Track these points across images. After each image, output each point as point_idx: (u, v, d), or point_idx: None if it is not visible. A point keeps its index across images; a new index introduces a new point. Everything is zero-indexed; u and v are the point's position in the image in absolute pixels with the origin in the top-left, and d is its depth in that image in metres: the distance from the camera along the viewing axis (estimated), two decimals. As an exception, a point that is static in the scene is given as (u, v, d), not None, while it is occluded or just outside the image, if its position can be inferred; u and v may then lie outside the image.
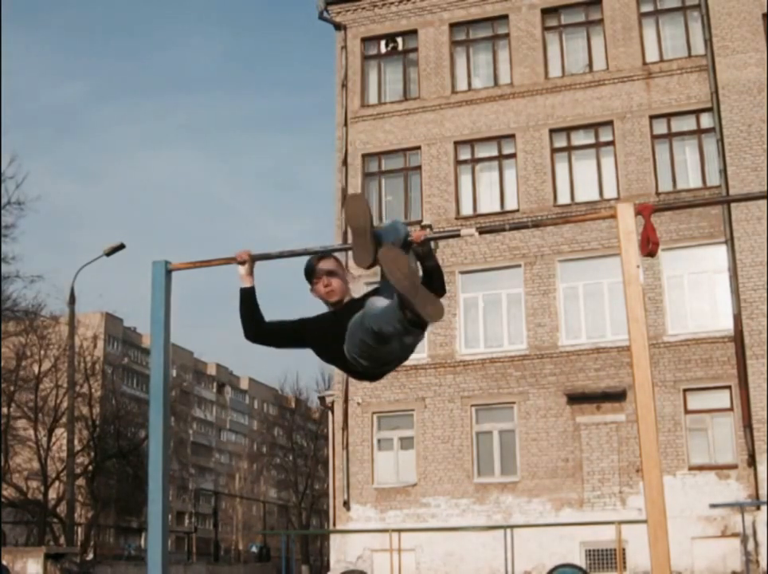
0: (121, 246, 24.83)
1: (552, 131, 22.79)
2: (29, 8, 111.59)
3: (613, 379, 20.76)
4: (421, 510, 21.37)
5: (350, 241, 4.24)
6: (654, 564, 3.54)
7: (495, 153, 23.22)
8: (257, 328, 4.33)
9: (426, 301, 3.71)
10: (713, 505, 19.52)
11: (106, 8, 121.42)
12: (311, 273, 4.27)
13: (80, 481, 32.66)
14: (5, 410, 29.40)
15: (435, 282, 4.02)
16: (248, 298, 4.32)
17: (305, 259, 4.41)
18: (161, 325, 4.39)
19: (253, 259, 4.36)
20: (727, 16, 21.95)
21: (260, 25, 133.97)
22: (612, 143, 22.40)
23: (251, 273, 4.35)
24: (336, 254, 4.35)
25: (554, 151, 22.79)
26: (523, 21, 23.60)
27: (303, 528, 46.67)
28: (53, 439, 32.29)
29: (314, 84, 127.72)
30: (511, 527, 19.06)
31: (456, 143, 23.38)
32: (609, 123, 22.44)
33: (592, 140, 22.75)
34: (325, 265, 4.25)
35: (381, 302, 3.93)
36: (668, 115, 22.18)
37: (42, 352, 32.05)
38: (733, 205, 20.42)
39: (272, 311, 4.63)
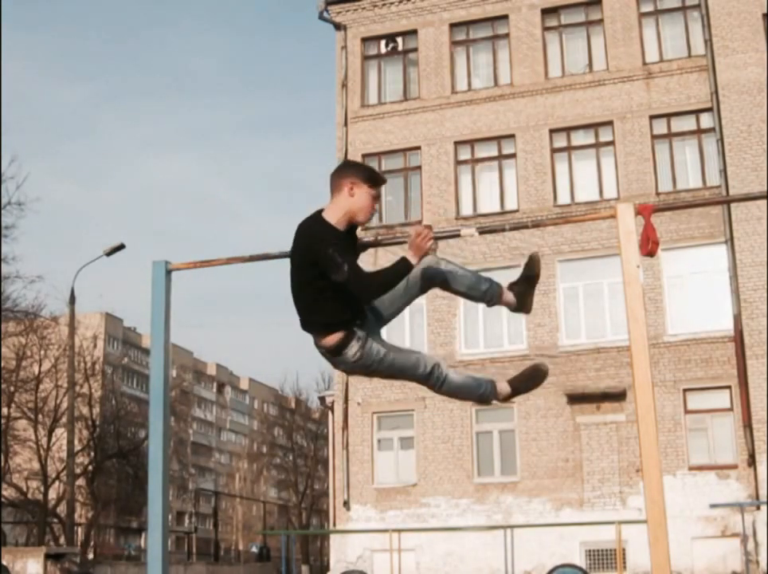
0: (121, 246, 24.86)
1: (552, 131, 22.78)
2: (31, 9, 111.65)
3: (613, 379, 20.75)
4: (421, 510, 21.36)
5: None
6: (654, 564, 3.54)
7: (495, 153, 23.21)
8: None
9: (530, 296, 4.32)
10: (713, 505, 19.50)
11: (107, 11, 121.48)
12: (377, 185, 3.99)
13: (80, 481, 32.66)
14: (5, 410, 29.37)
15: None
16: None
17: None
18: (161, 325, 4.39)
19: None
20: (727, 16, 21.94)
21: (260, 25, 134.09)
22: (612, 143, 22.40)
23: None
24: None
25: (554, 151, 22.78)
26: (523, 21, 23.59)
27: (303, 528, 46.64)
28: (53, 439, 32.27)
29: (314, 84, 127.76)
30: (511, 527, 19.05)
31: (456, 143, 23.37)
32: (609, 123, 22.44)
33: (592, 140, 22.74)
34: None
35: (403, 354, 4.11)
36: (668, 116, 22.18)
37: (42, 353, 32.02)
38: (733, 205, 20.41)
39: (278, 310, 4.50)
